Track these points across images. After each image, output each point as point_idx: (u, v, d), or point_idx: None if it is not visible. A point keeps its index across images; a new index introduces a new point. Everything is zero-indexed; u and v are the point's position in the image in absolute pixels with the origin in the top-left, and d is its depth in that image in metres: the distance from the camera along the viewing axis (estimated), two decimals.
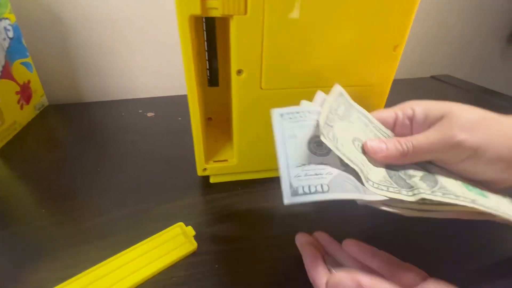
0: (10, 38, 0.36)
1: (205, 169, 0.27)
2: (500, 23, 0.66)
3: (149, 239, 0.22)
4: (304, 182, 0.16)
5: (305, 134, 0.18)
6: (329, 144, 0.16)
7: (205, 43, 0.28)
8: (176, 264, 0.21)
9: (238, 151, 0.26)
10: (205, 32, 0.27)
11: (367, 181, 0.17)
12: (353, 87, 0.23)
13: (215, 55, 0.28)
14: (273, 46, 0.21)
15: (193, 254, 0.21)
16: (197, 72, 0.22)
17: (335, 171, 0.16)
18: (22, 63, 0.39)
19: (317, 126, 0.18)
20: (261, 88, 0.23)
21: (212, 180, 0.29)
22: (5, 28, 0.35)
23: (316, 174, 0.16)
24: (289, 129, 0.18)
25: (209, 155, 0.28)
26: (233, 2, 0.19)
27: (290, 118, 0.18)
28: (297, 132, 0.18)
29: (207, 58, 0.29)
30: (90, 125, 0.41)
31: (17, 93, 0.37)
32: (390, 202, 0.16)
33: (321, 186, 0.15)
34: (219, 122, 0.33)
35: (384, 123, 0.20)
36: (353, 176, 0.17)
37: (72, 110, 0.45)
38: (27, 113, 0.40)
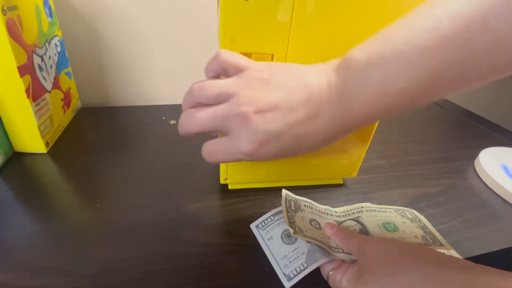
0: (59, 53, 0.42)
1: (226, 178, 0.33)
2: None
3: None
4: (291, 268, 0.24)
5: (277, 233, 0.27)
6: (300, 237, 0.24)
7: None
8: (203, 252, 0.27)
9: (255, 167, 0.33)
10: None
11: (330, 249, 0.24)
12: None
13: None
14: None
15: (218, 245, 0.28)
16: None
17: (306, 249, 0.25)
18: (66, 73, 0.45)
19: (282, 223, 0.27)
20: None
21: (230, 187, 0.35)
22: (55, 44, 0.41)
23: (295, 258, 0.25)
24: (266, 234, 0.27)
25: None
26: None
27: (263, 225, 0.28)
28: (271, 234, 0.27)
29: None
30: (121, 129, 0.47)
31: (62, 100, 0.43)
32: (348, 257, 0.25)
33: (302, 265, 0.24)
34: None
35: None
36: (318, 246, 0.25)
37: (102, 113, 0.51)
38: (68, 116, 0.46)
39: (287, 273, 0.24)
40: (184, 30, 0.51)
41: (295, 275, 0.24)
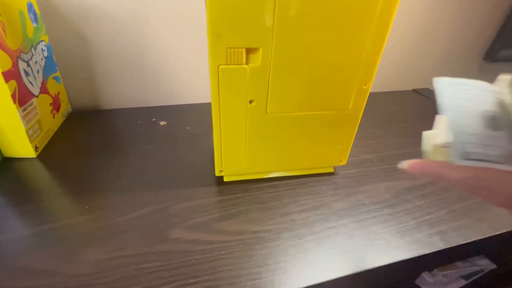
0: (45, 57, 0.42)
1: (221, 171, 0.34)
2: (476, 42, 0.73)
3: None
4: (476, 149, 0.17)
5: (476, 105, 0.18)
6: None
7: None
8: (191, 249, 0.28)
9: (249, 158, 0.33)
10: None
11: None
12: (331, 112, 0.31)
13: None
14: (275, 85, 0.28)
15: (206, 243, 0.29)
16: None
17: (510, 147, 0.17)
18: (54, 78, 0.45)
19: (488, 101, 0.18)
20: (266, 113, 0.30)
21: (225, 179, 0.36)
22: (41, 49, 0.41)
23: (488, 145, 0.17)
24: (458, 98, 0.19)
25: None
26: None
27: (458, 88, 0.19)
28: (466, 100, 0.19)
29: None
30: (111, 131, 0.47)
31: (50, 104, 0.43)
32: None
33: (497, 157, 0.17)
34: None
35: None
36: None
37: (93, 117, 0.51)
38: (57, 120, 0.46)
39: (469, 150, 0.17)
40: (173, 31, 0.51)
41: (476, 159, 0.17)
